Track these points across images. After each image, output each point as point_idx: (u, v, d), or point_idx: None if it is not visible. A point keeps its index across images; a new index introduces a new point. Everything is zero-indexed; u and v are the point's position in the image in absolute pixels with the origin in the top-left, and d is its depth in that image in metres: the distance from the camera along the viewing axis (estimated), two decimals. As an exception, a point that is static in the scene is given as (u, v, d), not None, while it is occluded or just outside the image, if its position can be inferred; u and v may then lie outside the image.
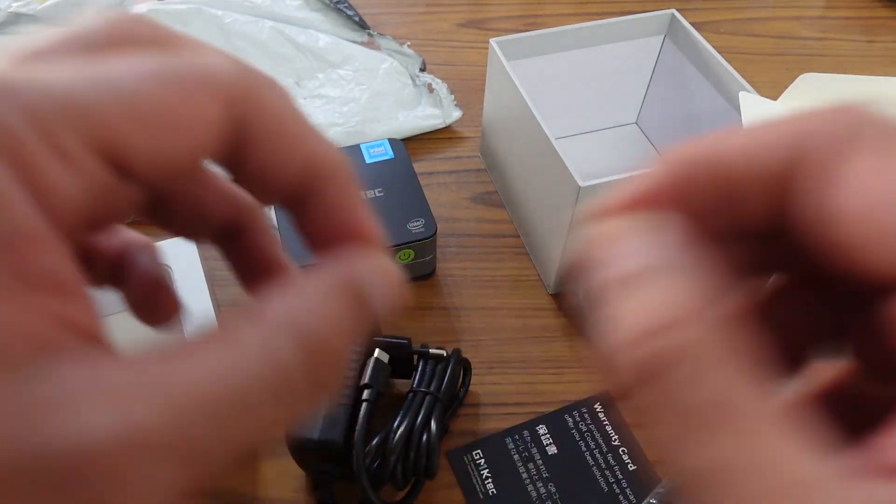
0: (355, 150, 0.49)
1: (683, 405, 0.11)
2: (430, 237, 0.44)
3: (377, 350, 0.37)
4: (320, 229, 0.15)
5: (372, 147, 0.49)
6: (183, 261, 0.41)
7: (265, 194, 0.15)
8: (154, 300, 0.18)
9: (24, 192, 0.10)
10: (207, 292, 0.41)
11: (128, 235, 0.18)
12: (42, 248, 0.10)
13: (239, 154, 0.13)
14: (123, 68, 0.12)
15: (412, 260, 0.45)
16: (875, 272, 0.11)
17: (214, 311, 0.41)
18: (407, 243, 0.44)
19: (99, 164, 0.11)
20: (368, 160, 0.48)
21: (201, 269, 0.41)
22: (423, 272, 0.47)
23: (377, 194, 0.46)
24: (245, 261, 0.18)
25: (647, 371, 0.11)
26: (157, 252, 0.18)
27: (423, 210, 0.45)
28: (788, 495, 0.10)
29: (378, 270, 0.14)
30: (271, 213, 0.51)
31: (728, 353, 0.11)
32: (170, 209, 0.16)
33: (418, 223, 0.45)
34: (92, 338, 0.11)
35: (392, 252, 0.44)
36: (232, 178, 0.14)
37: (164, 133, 0.12)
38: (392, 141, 0.50)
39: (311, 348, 0.12)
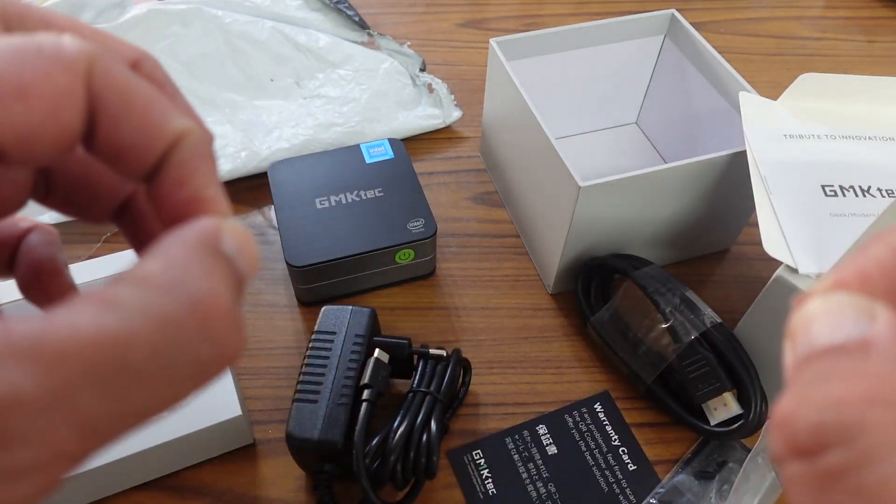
0: (355, 150, 0.49)
1: (867, 486, 0.10)
2: (430, 237, 0.44)
3: (377, 350, 0.37)
4: (168, 203, 0.15)
5: (372, 147, 0.49)
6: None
7: (123, 170, 0.15)
8: (44, 283, 0.18)
9: None
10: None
11: (22, 222, 0.18)
12: None
13: (93, 130, 0.14)
14: None
15: (412, 260, 0.45)
16: None
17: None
18: (407, 243, 0.44)
19: None
20: (368, 160, 0.48)
21: None
22: (423, 272, 0.47)
23: (377, 194, 0.46)
24: (139, 237, 0.18)
25: (844, 436, 0.10)
26: (50, 236, 0.18)
27: (423, 210, 0.45)
28: None
29: (230, 228, 0.14)
30: (271, 214, 0.51)
31: None
32: (63, 193, 0.17)
33: (418, 223, 0.45)
34: None
35: (392, 252, 0.44)
36: (92, 155, 0.14)
37: (20, 106, 0.12)
38: (392, 141, 0.50)
39: (203, 306, 0.12)
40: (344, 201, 0.46)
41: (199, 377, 0.13)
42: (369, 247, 0.43)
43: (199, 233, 0.14)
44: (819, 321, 0.12)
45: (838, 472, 0.10)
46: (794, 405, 0.11)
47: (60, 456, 0.11)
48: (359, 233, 0.44)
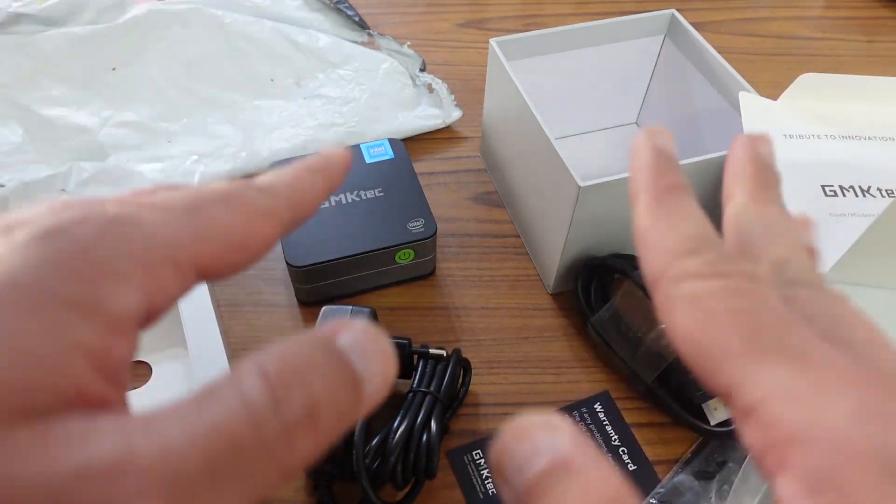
0: (355, 150, 0.49)
1: None
2: (430, 237, 0.44)
3: (377, 350, 0.37)
4: None
5: (372, 147, 0.49)
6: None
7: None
8: None
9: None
10: (207, 290, 0.41)
11: None
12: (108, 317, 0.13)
13: None
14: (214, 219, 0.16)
15: (412, 260, 0.45)
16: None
17: (214, 309, 0.41)
18: (407, 243, 0.44)
19: (182, 275, 0.15)
20: (368, 160, 0.48)
21: None
22: (423, 272, 0.47)
23: (377, 194, 0.46)
24: None
25: None
26: None
27: (423, 210, 0.45)
28: None
29: (362, 331, 0.14)
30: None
31: None
32: None
33: (418, 223, 0.45)
34: (109, 402, 0.13)
35: (392, 252, 0.44)
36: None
37: (236, 254, 0.16)
38: (392, 141, 0.50)
39: (274, 384, 0.12)
40: (344, 201, 0.46)
41: (279, 469, 0.13)
42: (369, 247, 0.43)
43: (318, 335, 0.14)
44: (518, 447, 0.13)
45: None
46: None
47: None
48: (359, 233, 0.44)
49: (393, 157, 0.49)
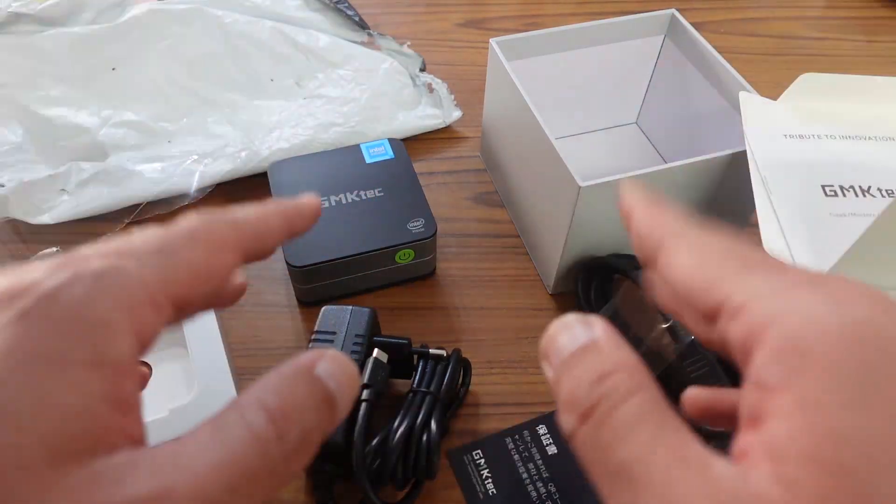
0: (355, 150, 0.49)
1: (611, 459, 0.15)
2: (430, 237, 0.44)
3: (377, 350, 0.37)
4: None
5: (372, 147, 0.49)
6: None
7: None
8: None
9: (127, 328, 0.17)
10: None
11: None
12: (123, 368, 0.16)
13: None
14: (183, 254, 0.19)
15: (412, 260, 0.45)
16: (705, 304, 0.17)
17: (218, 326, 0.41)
18: (407, 243, 0.44)
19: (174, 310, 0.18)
20: (368, 160, 0.48)
21: None
22: (423, 272, 0.47)
23: (377, 194, 0.46)
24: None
25: (587, 412, 0.16)
26: None
27: (423, 210, 0.45)
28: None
29: (333, 360, 0.18)
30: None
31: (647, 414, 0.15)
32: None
33: (418, 223, 0.45)
34: (137, 440, 0.16)
35: (392, 252, 0.44)
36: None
37: (204, 285, 0.19)
38: (392, 141, 0.50)
39: (275, 418, 0.16)
40: (344, 201, 0.46)
41: (282, 478, 0.16)
42: (369, 247, 0.43)
43: (299, 365, 0.18)
44: (560, 337, 0.18)
45: (604, 415, 0.15)
46: (569, 392, 0.16)
47: None
48: (359, 233, 0.44)
49: (393, 157, 0.49)
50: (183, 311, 0.19)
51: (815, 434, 0.13)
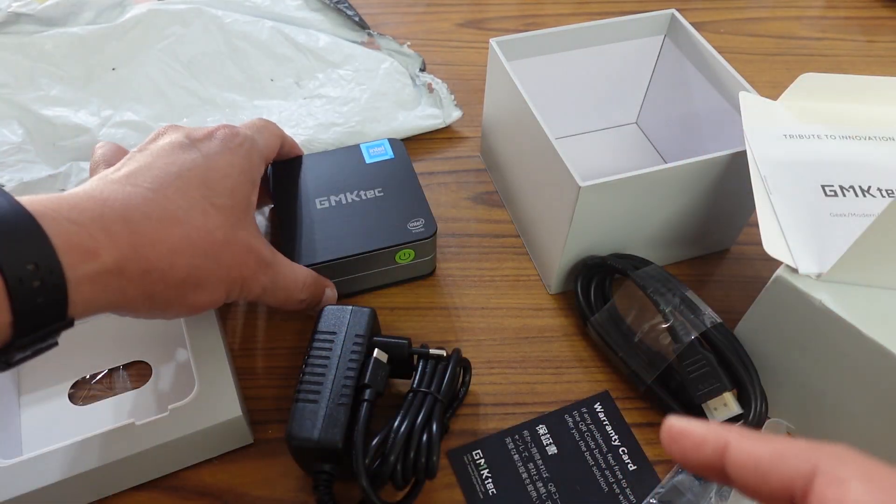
0: (355, 150, 0.49)
1: None
2: (430, 237, 0.44)
3: (377, 350, 0.37)
4: None
5: (372, 147, 0.49)
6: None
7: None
8: None
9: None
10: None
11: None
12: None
13: None
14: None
15: (412, 260, 0.45)
16: None
17: (214, 309, 0.41)
18: (407, 243, 0.44)
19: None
20: (368, 160, 0.48)
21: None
22: (423, 272, 0.47)
23: (377, 194, 0.46)
24: None
25: None
26: None
27: (423, 210, 0.45)
28: None
29: None
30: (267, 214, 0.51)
31: None
32: None
33: (418, 223, 0.45)
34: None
35: (392, 252, 0.44)
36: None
37: (274, 154, 0.44)
38: (392, 141, 0.50)
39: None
40: (344, 201, 0.46)
41: None
42: (369, 247, 0.43)
43: None
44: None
45: None
46: None
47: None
48: (359, 233, 0.44)
49: (393, 157, 0.49)
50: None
51: None
